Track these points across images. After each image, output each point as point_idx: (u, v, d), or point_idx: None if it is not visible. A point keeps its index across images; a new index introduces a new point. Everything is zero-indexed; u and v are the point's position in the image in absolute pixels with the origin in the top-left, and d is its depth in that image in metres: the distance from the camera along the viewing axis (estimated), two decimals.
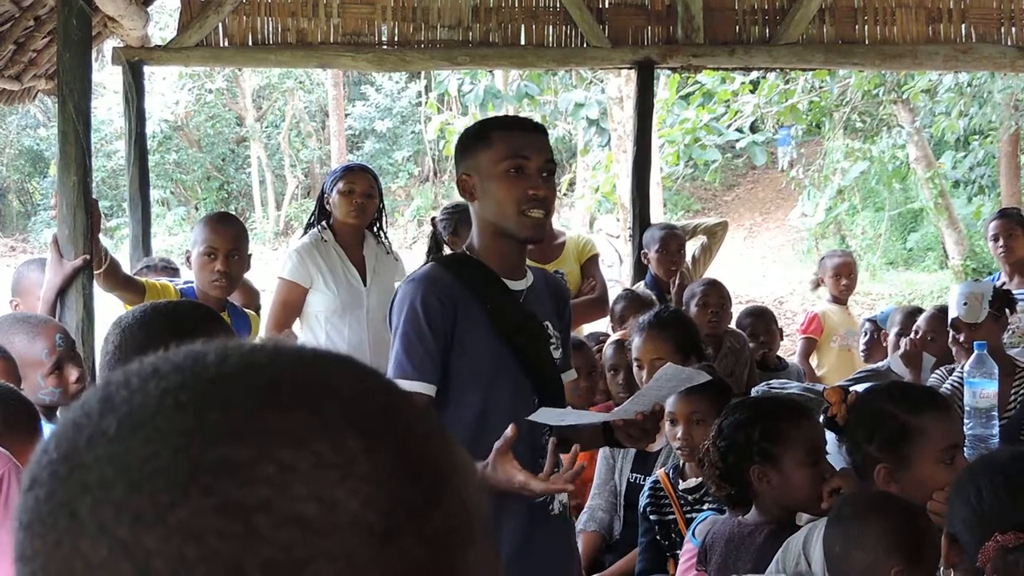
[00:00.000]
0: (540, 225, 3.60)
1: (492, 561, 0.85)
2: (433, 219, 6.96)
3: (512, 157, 3.53)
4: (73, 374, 4.25)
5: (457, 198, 5.39)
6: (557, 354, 3.76)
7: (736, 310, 7.21)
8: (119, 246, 17.86)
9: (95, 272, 5.50)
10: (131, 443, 0.75)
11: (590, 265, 7.35)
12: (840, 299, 8.27)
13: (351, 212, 6.06)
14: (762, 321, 7.19)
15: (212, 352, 0.80)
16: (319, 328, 6.08)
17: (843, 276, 8.21)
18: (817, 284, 8.44)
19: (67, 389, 4.24)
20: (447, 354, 3.53)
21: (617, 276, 11.18)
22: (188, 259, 5.41)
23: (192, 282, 5.43)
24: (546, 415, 3.49)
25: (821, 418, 3.66)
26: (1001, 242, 7.48)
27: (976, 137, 19.62)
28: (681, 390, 3.98)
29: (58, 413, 4.30)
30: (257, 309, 6.21)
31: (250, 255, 5.44)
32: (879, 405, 3.43)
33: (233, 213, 9.85)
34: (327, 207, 6.19)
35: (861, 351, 7.56)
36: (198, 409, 0.76)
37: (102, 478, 0.74)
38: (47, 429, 3.83)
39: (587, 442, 3.97)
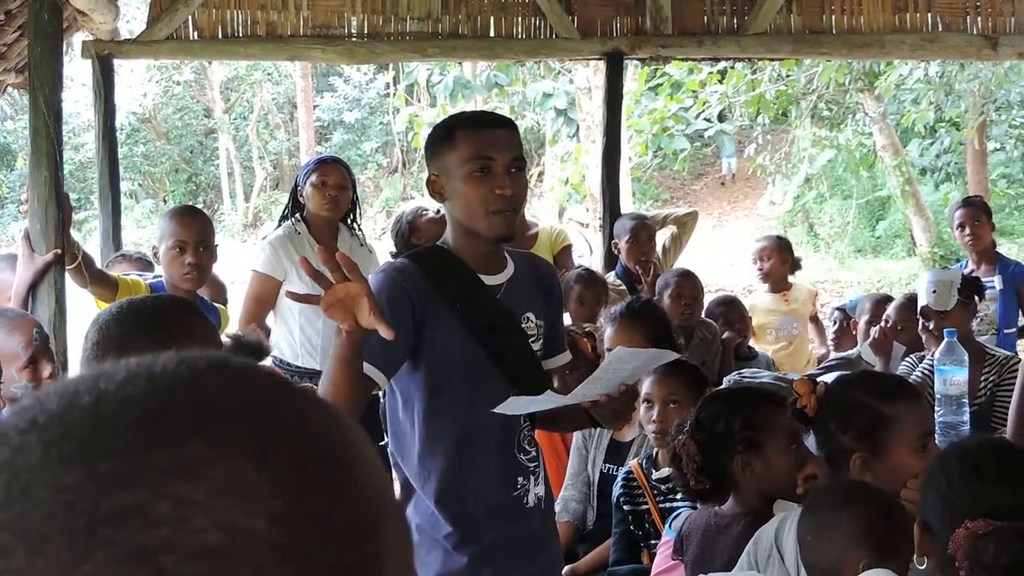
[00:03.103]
0: (509, 223, 3.54)
1: (402, 529, 0.85)
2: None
3: (477, 158, 3.45)
4: (47, 369, 4.24)
5: (408, 205, 5.39)
6: (537, 346, 3.71)
7: (706, 300, 7.21)
8: (88, 239, 17.78)
9: (67, 267, 5.48)
10: (23, 506, 0.72)
11: (563, 256, 7.39)
12: (776, 285, 8.02)
13: (324, 204, 6.05)
14: (734, 309, 7.18)
15: (86, 393, 0.77)
16: (293, 321, 6.07)
17: (759, 260, 8.00)
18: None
19: (40, 384, 4.22)
20: (416, 348, 3.51)
21: (587, 266, 11.17)
22: (155, 254, 5.39)
23: (161, 276, 5.43)
24: (513, 405, 3.47)
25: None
26: (967, 230, 7.50)
27: (943, 125, 19.72)
28: (653, 369, 3.99)
29: None
30: (225, 303, 6.19)
31: (216, 246, 5.44)
32: (852, 395, 3.44)
33: (200, 205, 9.85)
34: (300, 199, 6.18)
35: (831, 339, 7.57)
36: (84, 460, 0.73)
37: (0, 546, 0.71)
38: None
39: (570, 423, 3.99)
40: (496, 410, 3.41)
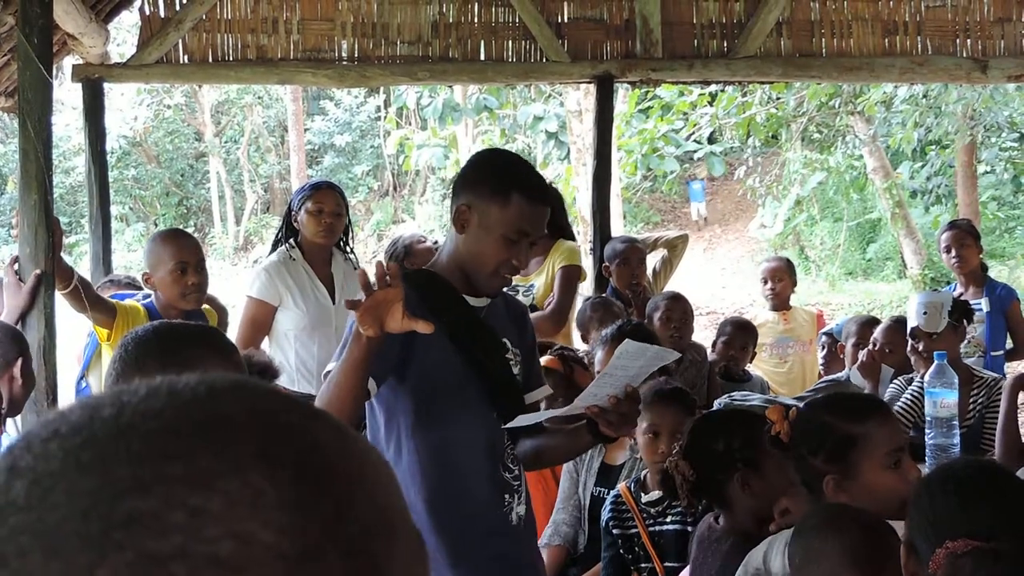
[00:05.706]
0: (503, 285, 3.70)
1: (416, 548, 0.86)
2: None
3: (518, 228, 3.56)
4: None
5: (399, 228, 5.40)
6: (516, 371, 3.78)
7: (697, 322, 7.20)
8: (78, 262, 17.77)
9: (61, 291, 5.47)
10: (41, 510, 0.74)
11: (560, 275, 7.29)
12: (780, 305, 8.03)
13: (320, 232, 6.04)
14: (741, 335, 7.08)
15: (108, 405, 0.80)
16: (288, 346, 6.07)
17: (770, 280, 8.04)
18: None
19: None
20: (402, 366, 3.54)
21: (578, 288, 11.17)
22: (148, 280, 5.40)
23: (150, 296, 5.44)
24: (523, 419, 3.52)
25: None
26: (954, 253, 7.55)
27: (933, 147, 19.76)
28: (653, 401, 4.00)
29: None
30: (225, 328, 6.19)
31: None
32: (820, 418, 3.44)
33: (191, 229, 9.87)
34: (295, 225, 6.18)
35: (820, 364, 7.56)
36: (102, 467, 0.75)
37: (19, 548, 0.73)
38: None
39: (572, 447, 3.99)
40: (506, 426, 3.53)
